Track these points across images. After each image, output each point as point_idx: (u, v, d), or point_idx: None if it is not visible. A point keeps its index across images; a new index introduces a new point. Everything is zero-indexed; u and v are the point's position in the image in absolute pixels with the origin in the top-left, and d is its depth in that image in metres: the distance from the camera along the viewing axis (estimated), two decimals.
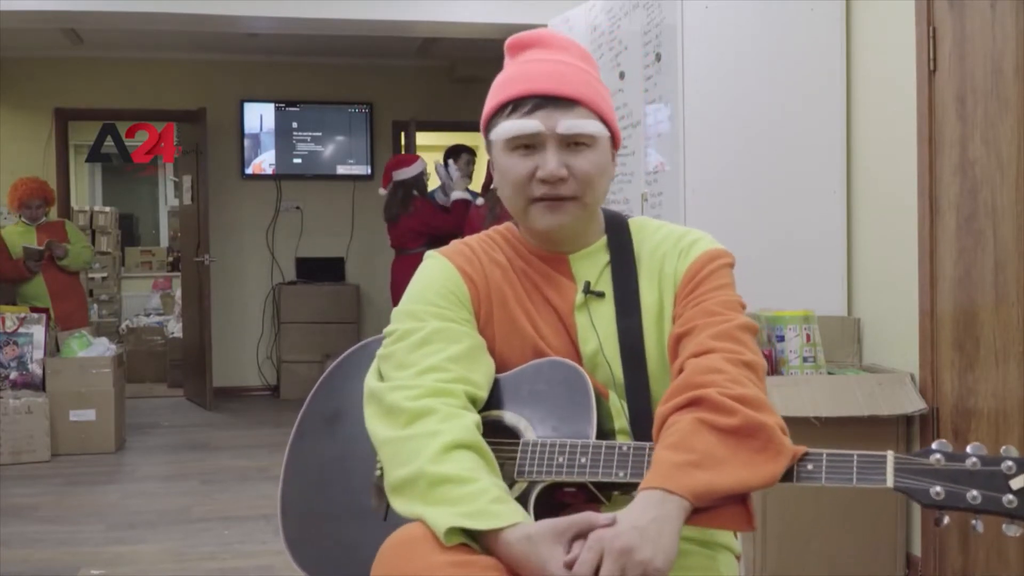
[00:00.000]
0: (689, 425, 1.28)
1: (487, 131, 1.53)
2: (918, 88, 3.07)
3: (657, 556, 1.16)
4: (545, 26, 4.73)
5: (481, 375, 1.45)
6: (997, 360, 2.76)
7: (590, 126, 1.45)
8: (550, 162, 1.44)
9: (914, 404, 3.02)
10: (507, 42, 1.57)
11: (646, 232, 1.56)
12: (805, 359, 3.10)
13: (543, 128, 1.44)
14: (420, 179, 5.99)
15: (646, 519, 1.19)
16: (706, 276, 1.47)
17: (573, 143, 1.45)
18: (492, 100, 1.51)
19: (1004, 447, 1.20)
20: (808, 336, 3.12)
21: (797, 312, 3.14)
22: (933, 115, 3.02)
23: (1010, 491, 1.16)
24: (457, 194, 5.98)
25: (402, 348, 1.46)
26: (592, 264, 1.54)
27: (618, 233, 1.56)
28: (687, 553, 1.43)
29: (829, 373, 3.15)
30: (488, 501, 1.25)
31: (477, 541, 1.24)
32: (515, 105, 1.47)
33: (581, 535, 1.19)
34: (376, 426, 1.41)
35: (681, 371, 1.38)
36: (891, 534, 3.12)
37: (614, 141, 1.53)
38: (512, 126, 1.45)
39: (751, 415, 1.27)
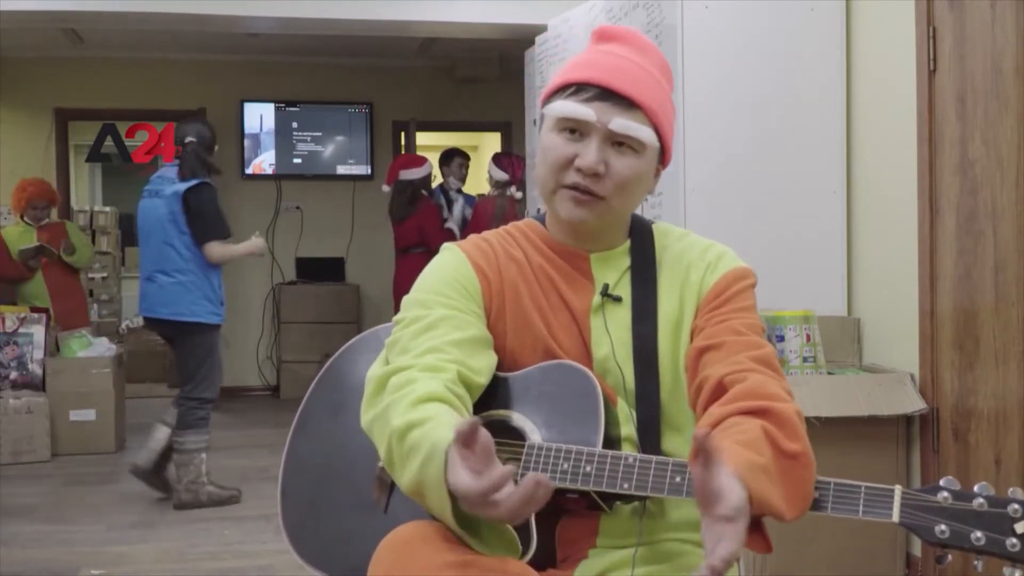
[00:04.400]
0: (758, 430, 1.26)
1: (543, 104, 1.51)
2: (918, 88, 3.07)
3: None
4: (545, 27, 4.74)
5: (481, 363, 1.44)
6: (997, 360, 2.76)
7: (642, 132, 1.42)
8: (590, 154, 1.42)
9: (914, 404, 3.02)
10: (596, 28, 1.55)
11: (669, 239, 1.55)
12: (805, 359, 3.10)
13: (595, 119, 1.42)
14: (427, 180, 6.02)
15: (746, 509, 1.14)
16: (733, 295, 1.46)
17: (620, 143, 1.43)
18: (559, 77, 1.50)
19: (1012, 489, 1.20)
20: (808, 336, 3.12)
21: (797, 312, 3.14)
22: (933, 115, 3.02)
23: (1014, 535, 1.16)
24: (451, 225, 6.04)
25: (407, 334, 1.45)
26: (613, 267, 1.53)
27: (642, 238, 1.55)
28: (687, 553, 1.43)
29: (829, 373, 3.15)
30: (443, 431, 1.21)
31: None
32: (578, 88, 1.45)
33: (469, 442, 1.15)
34: (367, 412, 1.40)
35: (720, 384, 1.35)
36: (891, 534, 3.12)
37: (664, 159, 1.51)
38: (566, 107, 1.44)
39: (809, 448, 1.27)
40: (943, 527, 1.20)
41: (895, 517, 1.21)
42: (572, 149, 1.44)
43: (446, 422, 1.24)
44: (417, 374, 1.36)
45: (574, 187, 1.44)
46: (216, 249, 4.42)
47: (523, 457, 1.38)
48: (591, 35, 1.56)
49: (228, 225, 4.55)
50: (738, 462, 1.18)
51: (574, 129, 1.44)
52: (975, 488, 1.21)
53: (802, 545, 3.03)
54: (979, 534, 1.18)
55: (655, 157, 1.48)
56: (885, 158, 3.33)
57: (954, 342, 2.95)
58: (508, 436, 1.44)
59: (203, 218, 4.37)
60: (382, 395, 1.38)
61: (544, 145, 1.48)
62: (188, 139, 4.49)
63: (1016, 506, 1.18)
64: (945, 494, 1.21)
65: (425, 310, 1.47)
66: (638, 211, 1.58)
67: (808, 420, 2.89)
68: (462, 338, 1.43)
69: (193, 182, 4.37)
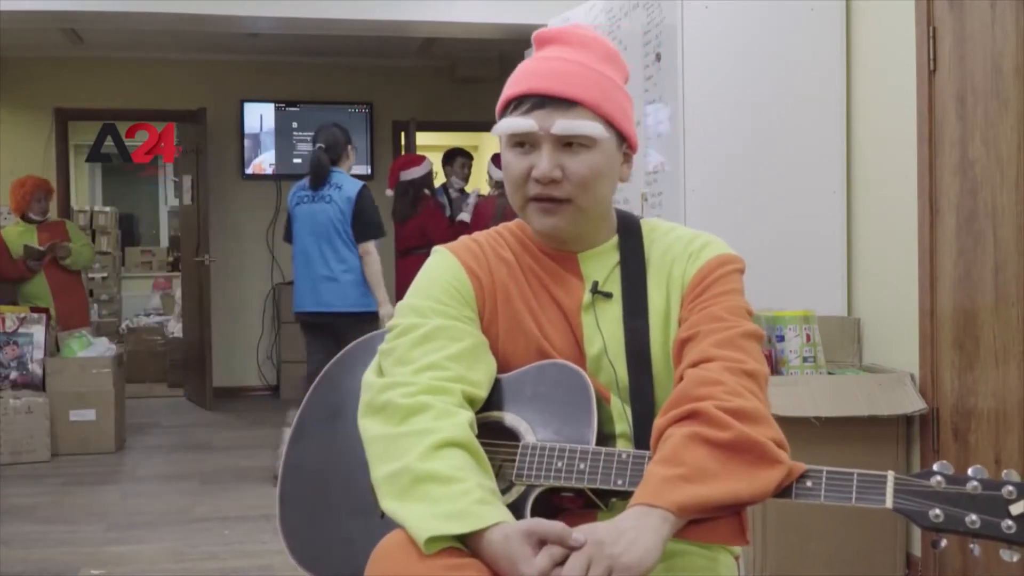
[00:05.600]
0: (681, 439, 1.28)
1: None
2: (918, 88, 3.07)
3: (628, 553, 1.17)
4: (544, 26, 4.73)
5: (481, 374, 1.45)
6: (997, 360, 2.76)
7: (587, 127, 1.43)
8: (543, 163, 1.43)
9: (914, 404, 3.02)
10: (535, 34, 1.57)
11: (657, 234, 1.56)
12: (805, 359, 3.10)
13: (537, 128, 1.43)
14: (428, 178, 6.02)
15: (626, 525, 1.20)
16: (714, 281, 1.46)
17: (570, 144, 1.44)
18: (502, 95, 1.51)
19: (1005, 471, 1.19)
20: (808, 336, 3.12)
21: (797, 312, 3.14)
22: (933, 115, 3.02)
23: (1009, 516, 1.16)
24: (463, 217, 6.01)
25: (403, 344, 1.45)
26: (602, 264, 1.53)
27: (629, 234, 1.55)
28: (687, 554, 1.43)
29: (829, 373, 3.15)
30: (470, 502, 1.24)
31: (461, 541, 1.24)
32: (517, 103, 1.46)
33: (548, 541, 1.19)
34: (368, 423, 1.40)
35: (682, 379, 1.38)
36: (891, 534, 3.12)
37: (629, 145, 1.52)
38: (509, 124, 1.46)
39: (744, 431, 1.27)
40: (937, 511, 1.19)
41: (888, 503, 1.21)
42: (527, 162, 1.46)
43: (476, 495, 1.25)
44: (430, 401, 1.36)
45: (537, 198, 1.46)
46: (373, 256, 4.80)
47: (517, 457, 1.39)
48: (532, 41, 1.57)
49: (383, 225, 4.92)
50: (650, 489, 1.24)
51: (524, 142, 1.46)
52: (969, 471, 1.21)
53: (801, 544, 3.03)
54: (974, 517, 1.18)
55: (613, 147, 1.48)
56: (885, 158, 3.33)
57: (954, 342, 2.95)
58: (502, 437, 1.44)
59: (364, 219, 4.76)
60: (387, 409, 1.38)
61: (504, 163, 1.50)
62: (317, 145, 4.85)
63: (1010, 488, 1.17)
64: (938, 478, 1.21)
65: (421, 318, 1.47)
66: (637, 211, 1.59)
67: (808, 420, 2.92)
68: (460, 351, 1.44)
69: (359, 186, 4.78)
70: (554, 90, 1.44)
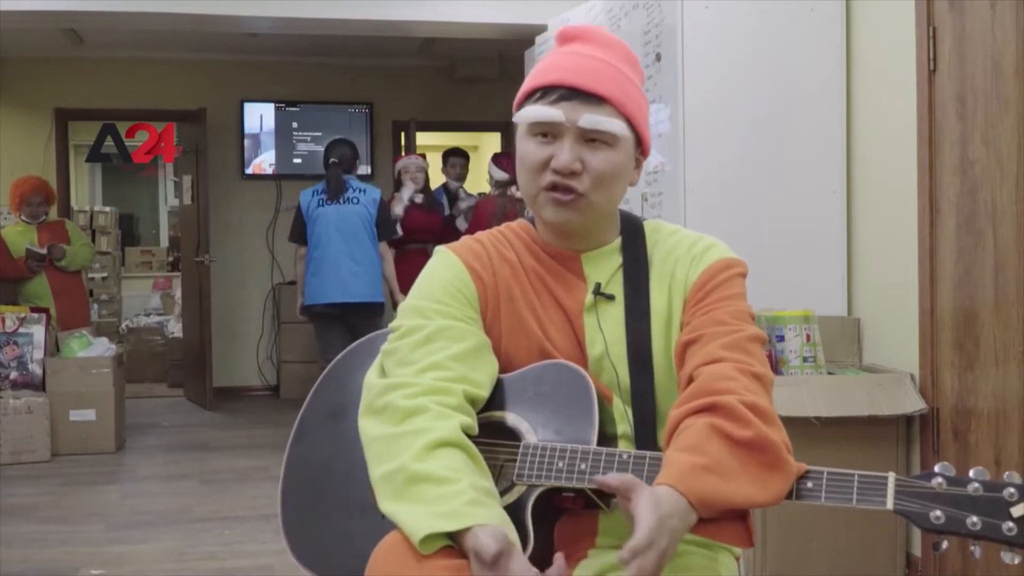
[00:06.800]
0: (704, 430, 1.28)
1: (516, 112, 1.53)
2: (918, 88, 3.07)
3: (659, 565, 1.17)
4: (545, 27, 4.74)
5: (483, 375, 1.45)
6: (997, 360, 2.76)
7: (612, 125, 1.43)
8: (565, 154, 1.43)
9: (914, 404, 3.02)
10: (559, 30, 1.57)
11: (660, 235, 1.56)
12: (805, 359, 3.10)
13: (564, 119, 1.43)
14: (397, 178, 6.02)
15: (674, 524, 1.19)
16: (717, 284, 1.46)
17: (592, 139, 1.44)
18: (526, 84, 1.51)
19: (1007, 473, 1.19)
20: (808, 336, 3.12)
21: (797, 312, 3.14)
22: (933, 115, 3.02)
23: (1010, 518, 1.16)
24: (396, 210, 5.88)
25: (406, 345, 1.45)
26: (604, 265, 1.53)
27: (633, 235, 1.55)
28: (687, 553, 1.43)
29: (829, 373, 3.15)
30: (463, 503, 1.24)
31: (453, 540, 1.24)
32: (543, 92, 1.46)
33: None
34: (368, 423, 1.41)
35: (691, 379, 1.37)
36: (891, 534, 3.12)
37: (642, 149, 1.52)
38: (535, 112, 1.45)
39: (763, 430, 1.27)
40: (938, 513, 1.19)
41: (889, 504, 1.21)
42: (547, 152, 1.45)
43: (469, 496, 1.26)
44: (428, 403, 1.37)
45: (553, 187, 1.45)
46: (388, 254, 5.40)
47: (519, 457, 1.39)
48: (555, 37, 1.57)
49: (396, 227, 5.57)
50: (676, 473, 1.23)
51: (546, 132, 1.45)
52: (970, 473, 1.20)
53: (802, 544, 3.04)
54: (975, 519, 1.18)
55: (631, 148, 1.49)
56: (885, 158, 3.33)
57: (954, 342, 2.95)
58: (504, 437, 1.45)
59: (385, 221, 5.39)
60: (387, 410, 1.38)
61: (520, 151, 1.49)
62: (331, 160, 5.35)
63: (1011, 490, 1.17)
64: (939, 480, 1.21)
65: (423, 319, 1.47)
66: (637, 211, 1.59)
67: (808, 420, 2.92)
68: (462, 351, 1.44)
69: (379, 191, 5.42)
70: (584, 84, 1.44)
